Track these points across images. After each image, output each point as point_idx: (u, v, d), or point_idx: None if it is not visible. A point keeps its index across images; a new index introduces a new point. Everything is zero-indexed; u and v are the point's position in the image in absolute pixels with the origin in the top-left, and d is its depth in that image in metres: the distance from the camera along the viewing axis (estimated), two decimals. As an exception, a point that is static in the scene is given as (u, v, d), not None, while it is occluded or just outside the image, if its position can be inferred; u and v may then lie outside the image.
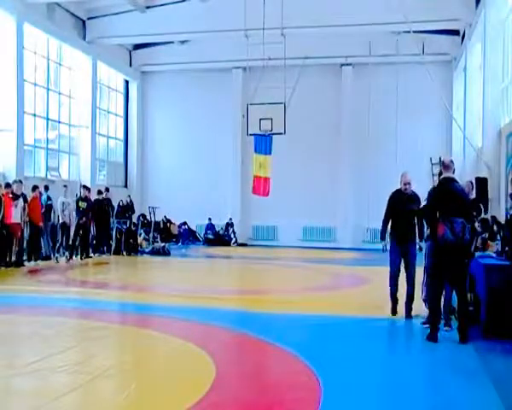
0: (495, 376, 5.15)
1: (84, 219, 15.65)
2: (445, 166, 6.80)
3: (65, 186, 15.72)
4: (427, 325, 6.73)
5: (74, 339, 6.63)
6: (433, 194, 6.83)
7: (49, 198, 15.21)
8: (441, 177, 6.87)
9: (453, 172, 6.83)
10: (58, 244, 15.40)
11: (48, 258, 14.88)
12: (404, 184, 7.79)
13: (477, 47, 16.37)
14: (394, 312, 7.86)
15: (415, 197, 7.87)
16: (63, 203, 15.13)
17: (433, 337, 6.44)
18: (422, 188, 7.94)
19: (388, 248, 7.89)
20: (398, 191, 7.94)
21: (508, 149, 13.08)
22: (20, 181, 14.10)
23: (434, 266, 6.69)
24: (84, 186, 16.72)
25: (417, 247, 7.87)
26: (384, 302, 8.13)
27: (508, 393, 4.73)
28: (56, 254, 15.03)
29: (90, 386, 4.74)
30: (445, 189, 6.62)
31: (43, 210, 14.78)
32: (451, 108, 19.26)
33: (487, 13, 14.61)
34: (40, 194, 14.93)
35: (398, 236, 7.79)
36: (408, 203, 7.73)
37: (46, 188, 15.43)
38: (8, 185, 13.45)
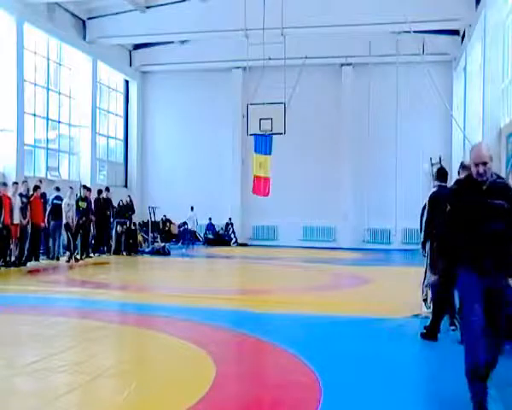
0: (495, 376, 5.15)
1: (84, 219, 15.66)
2: (464, 166, 6.71)
3: (70, 188, 15.71)
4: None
5: (74, 339, 6.63)
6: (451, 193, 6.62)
7: (58, 198, 15.08)
8: (457, 178, 6.78)
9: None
10: (64, 244, 15.42)
11: (48, 258, 14.87)
12: (476, 166, 4.02)
13: (477, 47, 16.37)
14: None
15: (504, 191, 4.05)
16: (68, 205, 15.13)
17: (432, 336, 6.43)
18: (422, 188, 7.84)
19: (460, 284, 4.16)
20: (467, 180, 4.26)
21: (508, 149, 13.09)
22: (26, 181, 14.14)
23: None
24: (85, 186, 16.74)
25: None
26: (384, 302, 8.13)
27: (508, 393, 4.72)
28: (56, 254, 15.01)
29: (90, 386, 4.74)
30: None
31: (49, 210, 14.80)
32: (451, 108, 19.26)
33: (487, 13, 14.62)
34: (44, 194, 14.93)
35: (477, 260, 4.02)
36: (490, 200, 4.00)
37: (57, 189, 15.36)
38: (4, 184, 13.34)
